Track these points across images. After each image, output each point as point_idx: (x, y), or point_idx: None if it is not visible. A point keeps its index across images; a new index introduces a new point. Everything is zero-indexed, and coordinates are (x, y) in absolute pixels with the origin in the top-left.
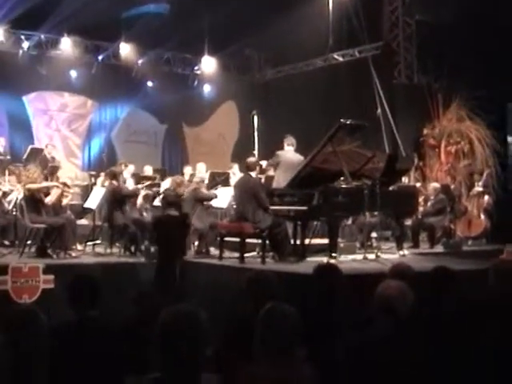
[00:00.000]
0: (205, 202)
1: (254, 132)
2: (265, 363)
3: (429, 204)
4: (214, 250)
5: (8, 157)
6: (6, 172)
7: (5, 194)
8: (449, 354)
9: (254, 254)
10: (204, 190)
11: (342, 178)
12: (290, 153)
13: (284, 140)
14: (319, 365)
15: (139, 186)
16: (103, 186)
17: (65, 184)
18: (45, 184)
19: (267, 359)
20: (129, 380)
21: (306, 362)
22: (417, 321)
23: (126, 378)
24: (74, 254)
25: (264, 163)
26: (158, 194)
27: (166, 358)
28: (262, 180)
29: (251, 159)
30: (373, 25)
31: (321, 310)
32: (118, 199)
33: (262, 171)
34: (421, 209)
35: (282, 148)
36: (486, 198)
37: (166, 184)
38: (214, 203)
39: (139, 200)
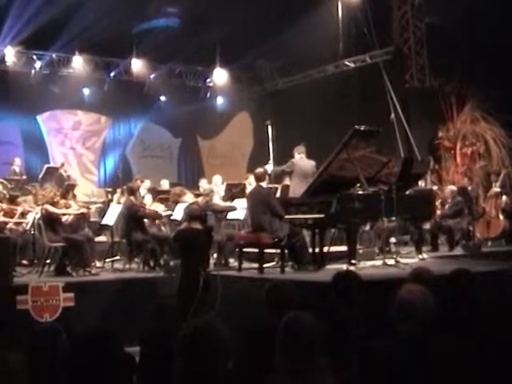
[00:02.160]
0: (219, 214)
1: (268, 142)
2: (286, 373)
3: (446, 207)
4: (232, 262)
5: (24, 176)
6: (31, 193)
7: (23, 214)
8: (470, 357)
9: (273, 263)
10: (217, 201)
11: (358, 185)
12: (302, 161)
13: (294, 150)
14: (340, 372)
15: (161, 211)
16: (119, 202)
17: (82, 214)
18: (63, 211)
19: (288, 369)
20: None
21: (327, 370)
22: (437, 324)
23: None
24: (93, 271)
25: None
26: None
27: (187, 372)
28: (278, 189)
29: (259, 170)
30: (383, 30)
31: (341, 318)
32: (136, 216)
33: (277, 181)
34: (438, 212)
35: (293, 157)
36: (504, 198)
37: (188, 198)
38: (230, 215)
39: None
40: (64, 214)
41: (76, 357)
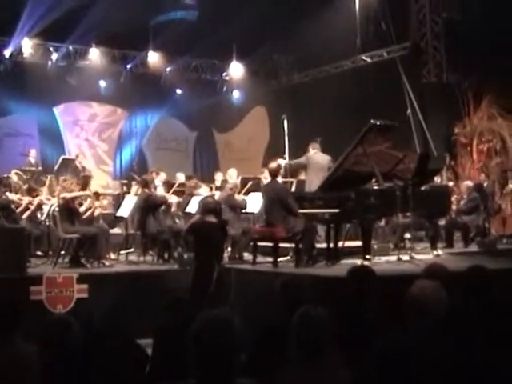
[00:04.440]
0: (238, 209)
1: (284, 136)
2: (300, 367)
3: (462, 203)
4: (247, 256)
5: (39, 168)
6: (46, 183)
7: (39, 205)
8: (484, 356)
9: (288, 258)
10: (237, 197)
11: (373, 180)
12: (317, 155)
13: (309, 145)
14: (353, 367)
15: (166, 194)
16: (136, 194)
17: (96, 193)
18: (78, 193)
19: (302, 363)
20: None
21: (340, 364)
22: (451, 321)
23: None
24: (107, 263)
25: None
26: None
27: (200, 364)
28: (294, 184)
29: (273, 165)
30: (400, 24)
31: (355, 313)
32: (150, 207)
33: (293, 175)
34: (454, 207)
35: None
36: None
37: (203, 191)
38: (245, 209)
39: (174, 207)
40: (81, 197)
41: (88, 348)
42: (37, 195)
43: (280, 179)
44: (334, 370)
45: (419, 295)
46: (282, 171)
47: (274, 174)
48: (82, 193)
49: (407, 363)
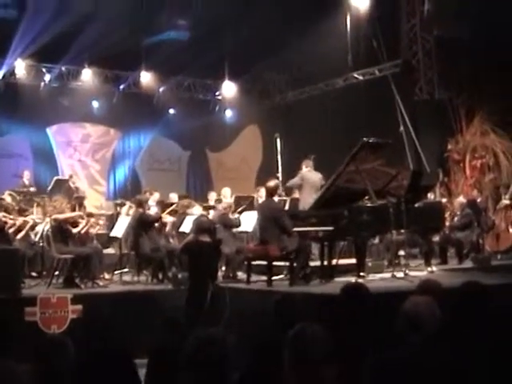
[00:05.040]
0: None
1: (277, 155)
2: None
3: (455, 219)
4: (241, 274)
5: (33, 188)
6: (35, 204)
7: (32, 226)
8: (478, 371)
9: (282, 276)
10: (231, 216)
11: (366, 197)
12: (311, 173)
13: (302, 163)
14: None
15: (170, 222)
16: (128, 214)
17: (90, 214)
18: (70, 214)
19: (297, 380)
20: None
21: (335, 381)
22: (445, 337)
23: None
24: (101, 284)
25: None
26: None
27: (194, 383)
28: (287, 202)
29: (270, 184)
30: (391, 42)
31: (349, 330)
32: (143, 225)
33: (287, 193)
34: (447, 224)
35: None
36: None
37: (196, 210)
38: (239, 228)
39: (168, 227)
40: (73, 218)
41: (83, 368)
42: (27, 216)
43: (276, 198)
44: None
45: (412, 311)
46: (279, 190)
47: (270, 192)
48: (73, 213)
49: (402, 376)
